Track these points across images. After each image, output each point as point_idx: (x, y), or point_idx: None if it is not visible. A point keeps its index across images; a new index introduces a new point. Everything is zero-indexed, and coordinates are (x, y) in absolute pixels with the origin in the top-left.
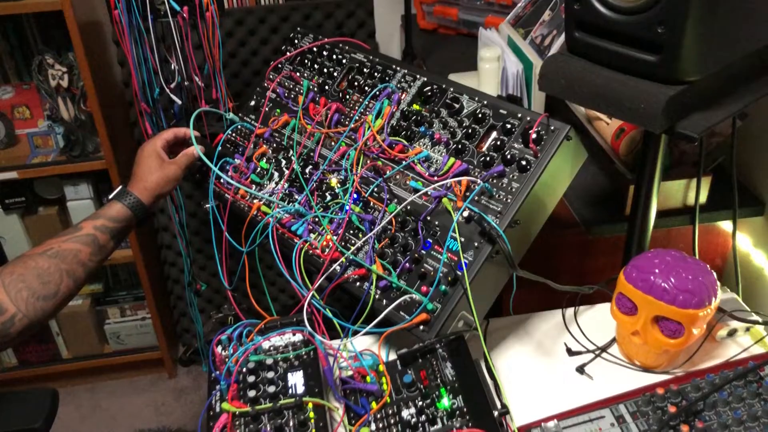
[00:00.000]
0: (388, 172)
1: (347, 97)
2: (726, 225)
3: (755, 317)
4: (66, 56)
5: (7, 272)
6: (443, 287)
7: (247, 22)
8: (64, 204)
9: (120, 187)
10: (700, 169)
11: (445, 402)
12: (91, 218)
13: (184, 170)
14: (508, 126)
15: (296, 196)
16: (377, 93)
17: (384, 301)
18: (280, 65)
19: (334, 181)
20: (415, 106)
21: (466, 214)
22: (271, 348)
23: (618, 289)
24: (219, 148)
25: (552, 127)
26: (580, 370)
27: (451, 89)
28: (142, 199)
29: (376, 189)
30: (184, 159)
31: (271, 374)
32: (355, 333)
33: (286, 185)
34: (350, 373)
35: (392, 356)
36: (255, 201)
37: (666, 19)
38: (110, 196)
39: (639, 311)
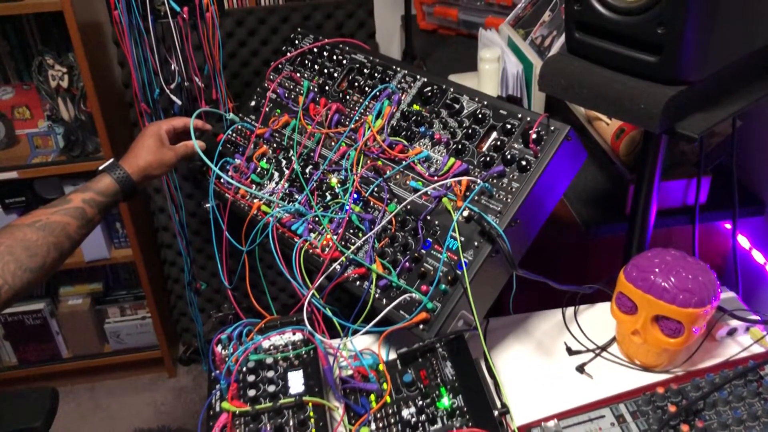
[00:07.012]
0: (388, 172)
1: (347, 97)
2: (726, 225)
3: (755, 317)
4: (66, 57)
5: None
6: (443, 286)
7: (247, 22)
8: None
9: (111, 160)
10: (700, 169)
11: (445, 401)
12: (80, 190)
13: (179, 159)
14: (508, 126)
15: (296, 196)
16: (377, 93)
17: (384, 300)
18: (280, 66)
19: (334, 180)
20: (416, 107)
21: (466, 213)
22: (271, 347)
23: (618, 288)
24: (219, 148)
25: (552, 127)
26: (580, 369)
27: (451, 90)
28: (131, 175)
29: (376, 189)
30: (182, 149)
31: (271, 373)
32: (355, 332)
33: (286, 185)
34: (350, 372)
35: (392, 355)
36: (255, 200)
37: (666, 19)
38: (101, 167)
39: (639, 310)
